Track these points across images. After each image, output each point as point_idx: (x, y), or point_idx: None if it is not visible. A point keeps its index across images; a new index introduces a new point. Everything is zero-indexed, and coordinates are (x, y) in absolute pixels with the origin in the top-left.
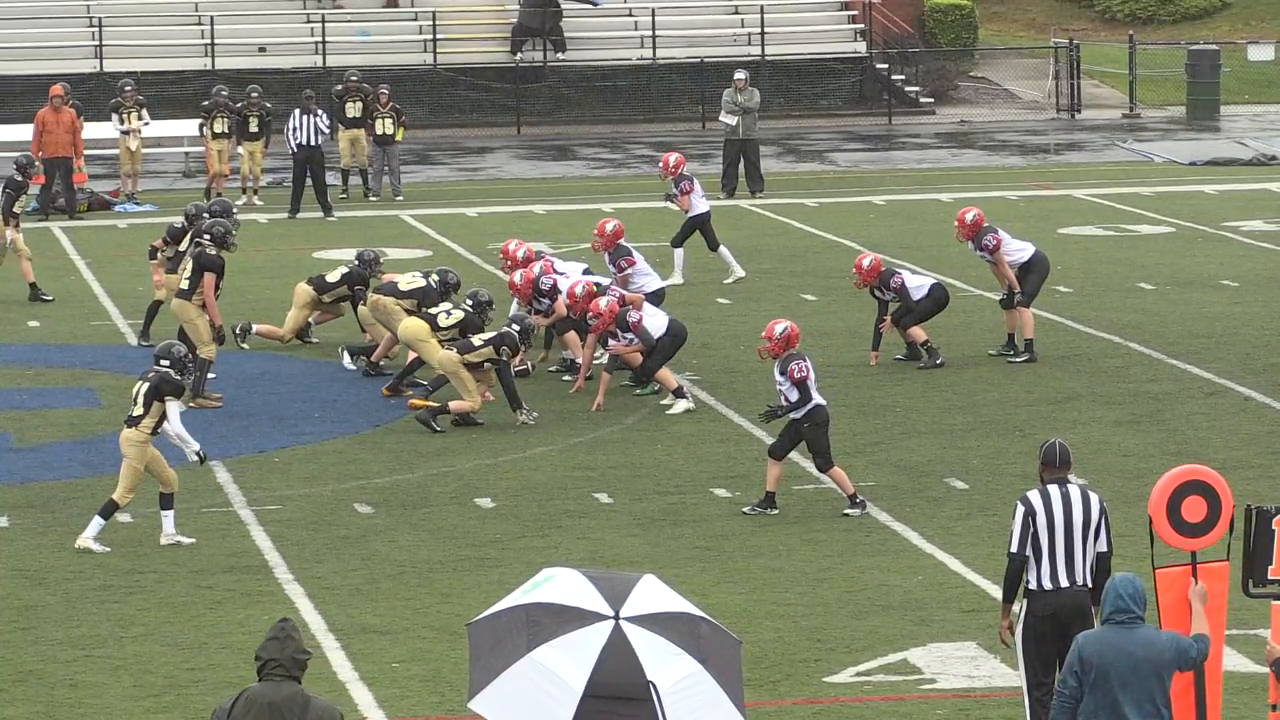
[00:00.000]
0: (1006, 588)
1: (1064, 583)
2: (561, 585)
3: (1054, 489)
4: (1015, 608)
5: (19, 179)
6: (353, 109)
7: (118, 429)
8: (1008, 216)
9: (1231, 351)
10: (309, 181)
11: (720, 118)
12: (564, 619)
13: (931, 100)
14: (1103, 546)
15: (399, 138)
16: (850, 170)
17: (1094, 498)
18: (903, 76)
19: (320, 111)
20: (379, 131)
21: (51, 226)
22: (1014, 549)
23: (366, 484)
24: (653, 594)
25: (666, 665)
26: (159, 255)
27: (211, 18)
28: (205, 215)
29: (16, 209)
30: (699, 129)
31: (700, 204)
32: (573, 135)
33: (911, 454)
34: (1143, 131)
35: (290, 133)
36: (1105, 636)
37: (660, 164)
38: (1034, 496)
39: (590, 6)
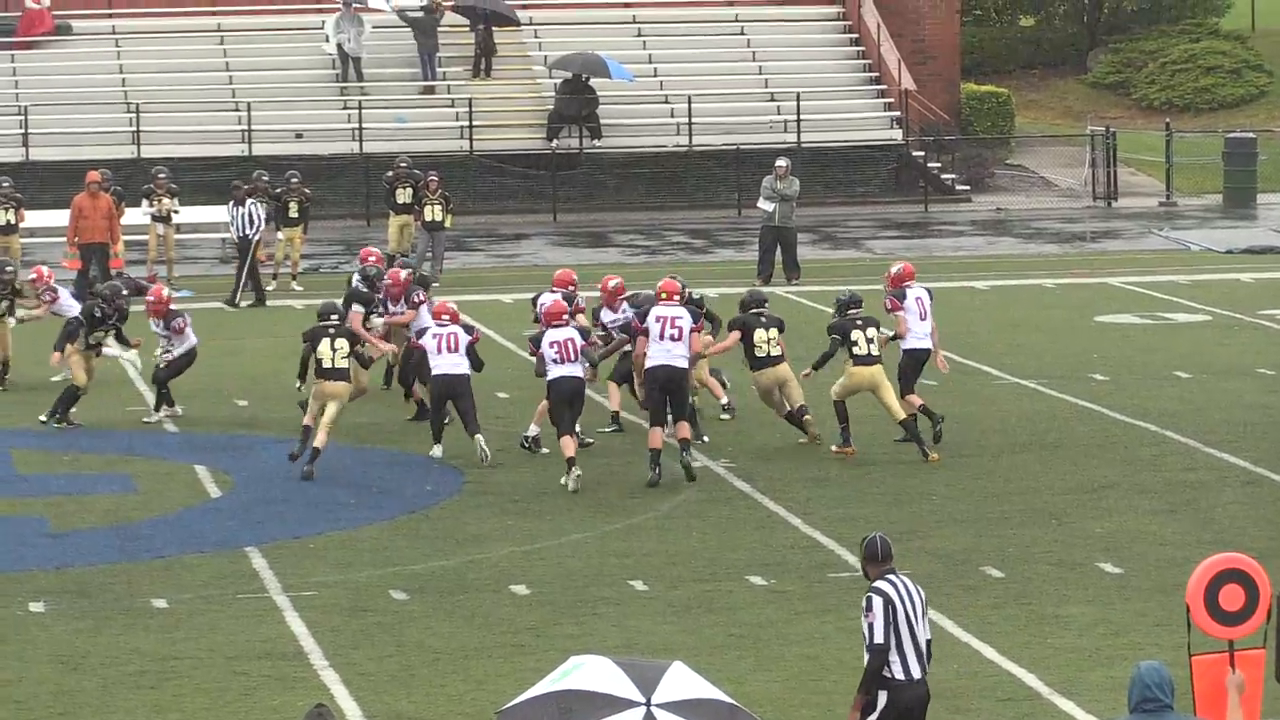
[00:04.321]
0: (871, 682)
1: (915, 674)
2: (592, 672)
3: (895, 580)
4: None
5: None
6: (403, 195)
7: (155, 514)
8: (1043, 304)
9: (1268, 440)
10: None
11: (758, 204)
12: (595, 706)
13: (968, 187)
14: (927, 634)
15: (448, 224)
16: (886, 257)
17: (918, 587)
18: (939, 164)
19: (256, 203)
20: (428, 218)
21: None
22: (879, 640)
23: (402, 570)
24: (683, 681)
25: None
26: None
27: (249, 104)
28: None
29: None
30: (735, 216)
31: None
32: (608, 222)
33: (947, 542)
34: (1179, 219)
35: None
36: None
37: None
38: (887, 587)
39: (627, 81)
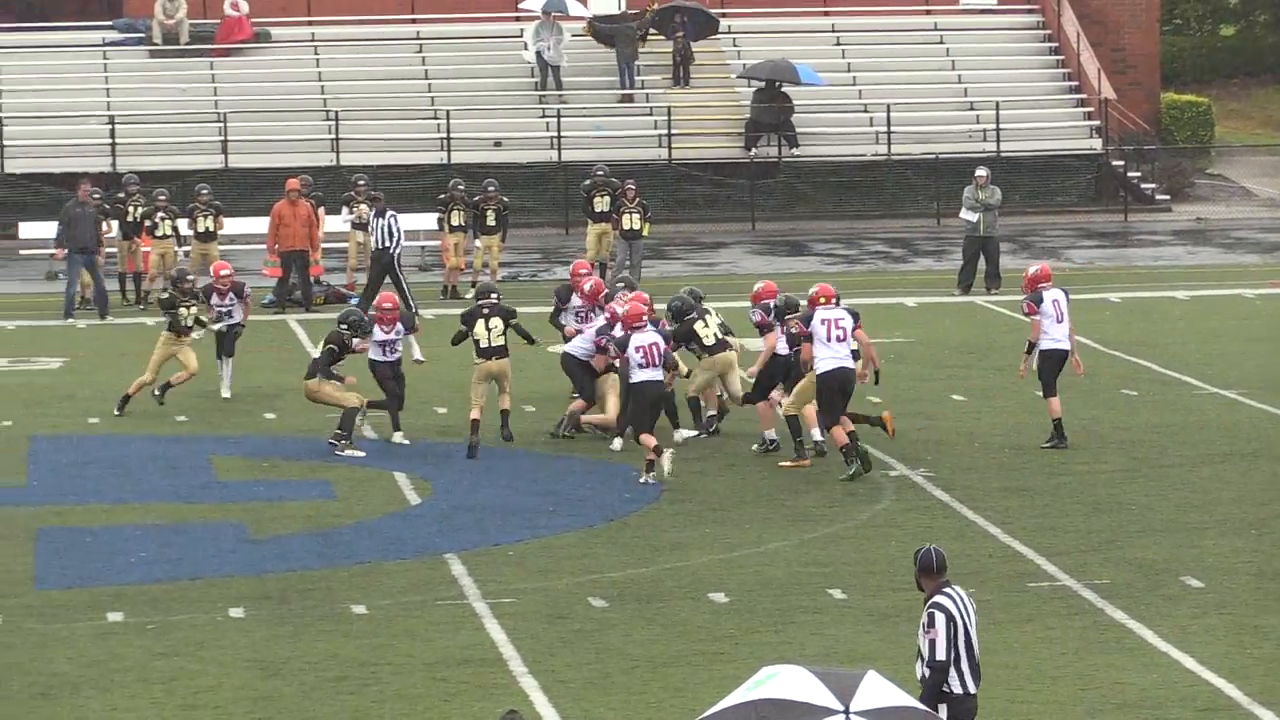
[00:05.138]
0: (933, 698)
1: (971, 688)
2: (788, 681)
3: (952, 594)
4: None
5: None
6: (600, 203)
7: (355, 521)
8: (1244, 314)
9: None
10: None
11: (961, 214)
12: (794, 714)
13: (1168, 197)
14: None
15: (645, 233)
16: (1086, 267)
17: (970, 598)
18: (1139, 173)
19: (395, 215)
20: (625, 226)
21: (288, 319)
22: (942, 656)
23: (600, 578)
24: (879, 689)
25: None
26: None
27: (448, 111)
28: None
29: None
30: (934, 225)
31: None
32: (807, 231)
33: (1147, 552)
34: None
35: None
36: None
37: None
38: (947, 602)
39: (817, 86)
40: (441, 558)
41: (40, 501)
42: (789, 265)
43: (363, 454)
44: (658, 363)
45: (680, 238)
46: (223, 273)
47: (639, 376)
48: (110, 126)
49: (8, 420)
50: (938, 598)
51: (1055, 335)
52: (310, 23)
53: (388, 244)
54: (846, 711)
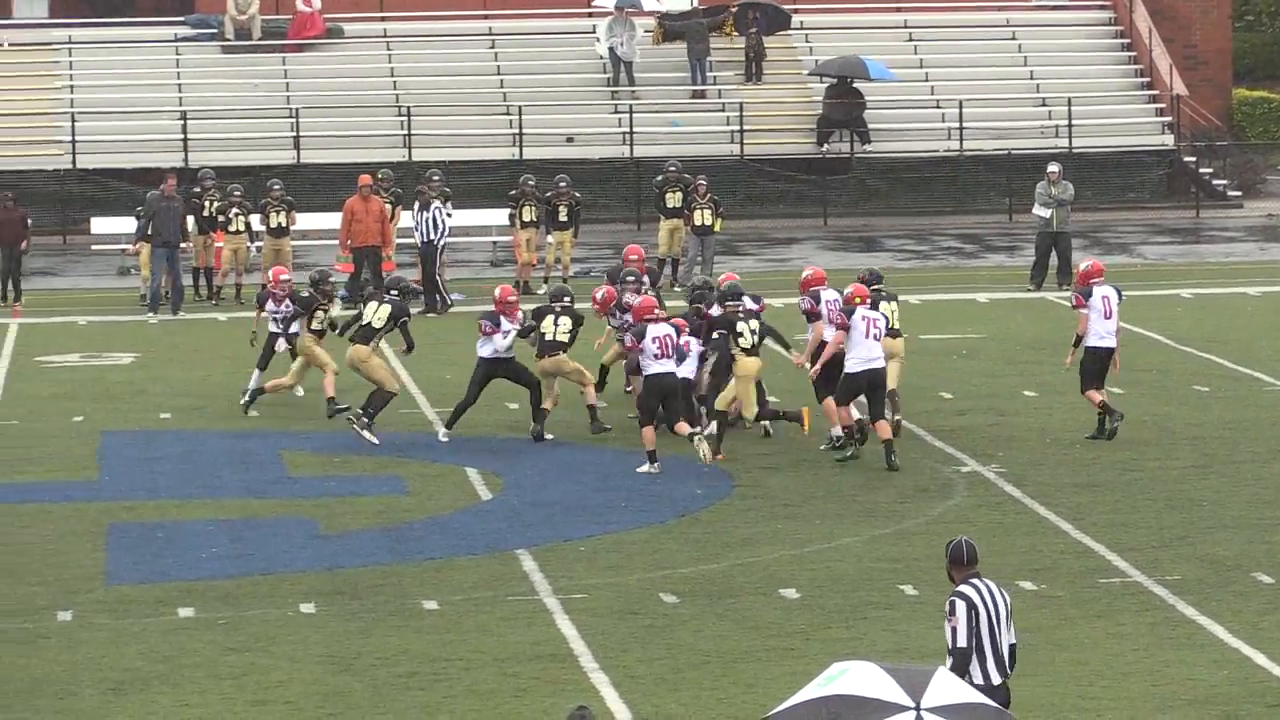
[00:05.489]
0: None
1: (995, 679)
2: (859, 677)
3: (979, 584)
4: None
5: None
6: (672, 199)
7: (426, 516)
8: None
9: None
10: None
11: (1034, 210)
12: (865, 710)
13: (1239, 194)
14: (1013, 638)
15: (717, 228)
16: (1157, 263)
17: (1004, 591)
18: (1210, 169)
19: (440, 208)
20: (697, 222)
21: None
22: (962, 644)
23: (671, 573)
24: (950, 685)
25: None
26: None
27: (520, 107)
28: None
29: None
30: (1006, 221)
31: None
32: (879, 226)
33: (1218, 548)
34: None
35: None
36: None
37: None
38: (970, 592)
39: (889, 81)
40: (513, 553)
41: (111, 497)
42: (861, 261)
43: (377, 441)
44: (671, 354)
45: (752, 233)
46: (282, 278)
47: (653, 368)
48: (182, 122)
49: (79, 415)
50: (962, 587)
51: (1101, 331)
52: (383, 18)
53: (432, 236)
54: (917, 708)
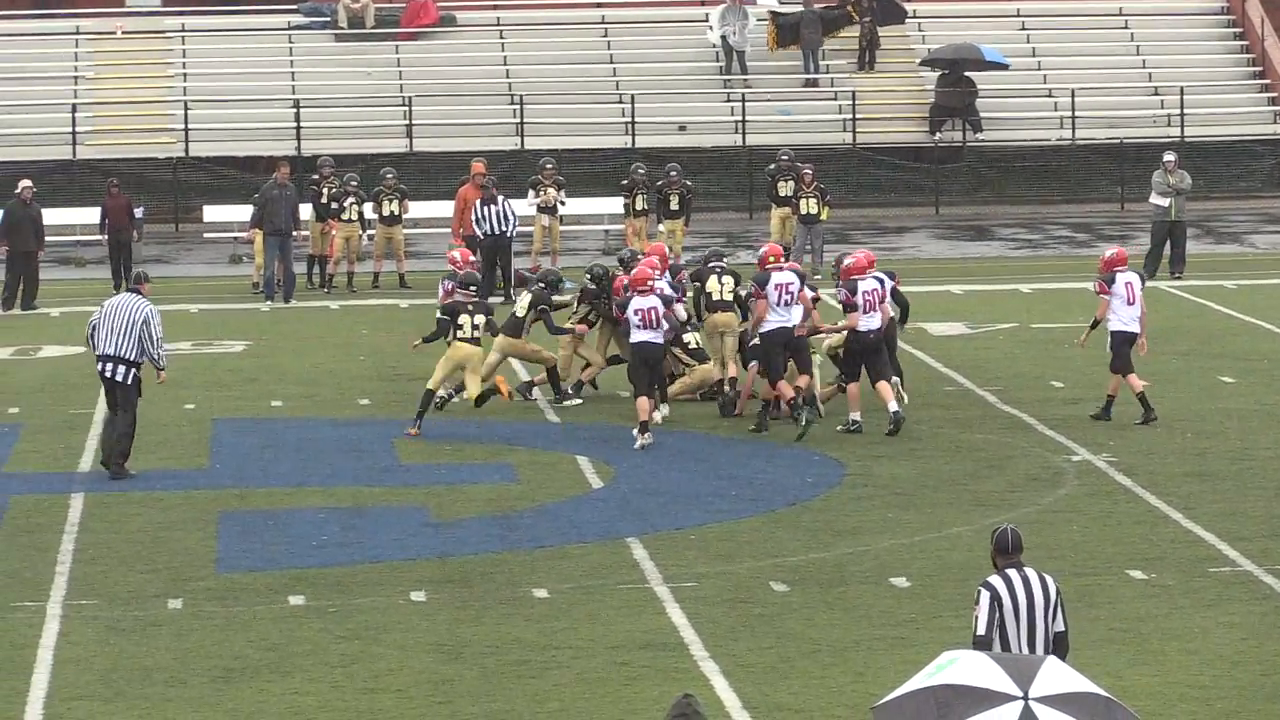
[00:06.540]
0: None
1: None
2: (968, 667)
3: (1013, 574)
4: None
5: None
6: (784, 188)
7: (536, 504)
8: None
9: None
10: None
11: (1151, 199)
12: (973, 700)
13: None
14: (1060, 626)
15: (824, 217)
16: (1269, 253)
17: (1049, 580)
18: None
19: (508, 201)
20: (803, 211)
21: None
22: (980, 632)
23: (782, 562)
24: (1059, 675)
25: None
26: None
27: (633, 95)
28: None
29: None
30: (1118, 210)
31: None
32: (991, 215)
33: None
34: None
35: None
36: None
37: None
38: (997, 582)
39: (1002, 65)
40: (623, 541)
41: (222, 485)
42: (973, 250)
43: (580, 400)
44: (655, 325)
45: (864, 222)
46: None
47: (637, 337)
48: (295, 110)
49: (190, 403)
50: (991, 577)
51: (1125, 317)
52: (495, 6)
53: (504, 229)
54: (1026, 697)
